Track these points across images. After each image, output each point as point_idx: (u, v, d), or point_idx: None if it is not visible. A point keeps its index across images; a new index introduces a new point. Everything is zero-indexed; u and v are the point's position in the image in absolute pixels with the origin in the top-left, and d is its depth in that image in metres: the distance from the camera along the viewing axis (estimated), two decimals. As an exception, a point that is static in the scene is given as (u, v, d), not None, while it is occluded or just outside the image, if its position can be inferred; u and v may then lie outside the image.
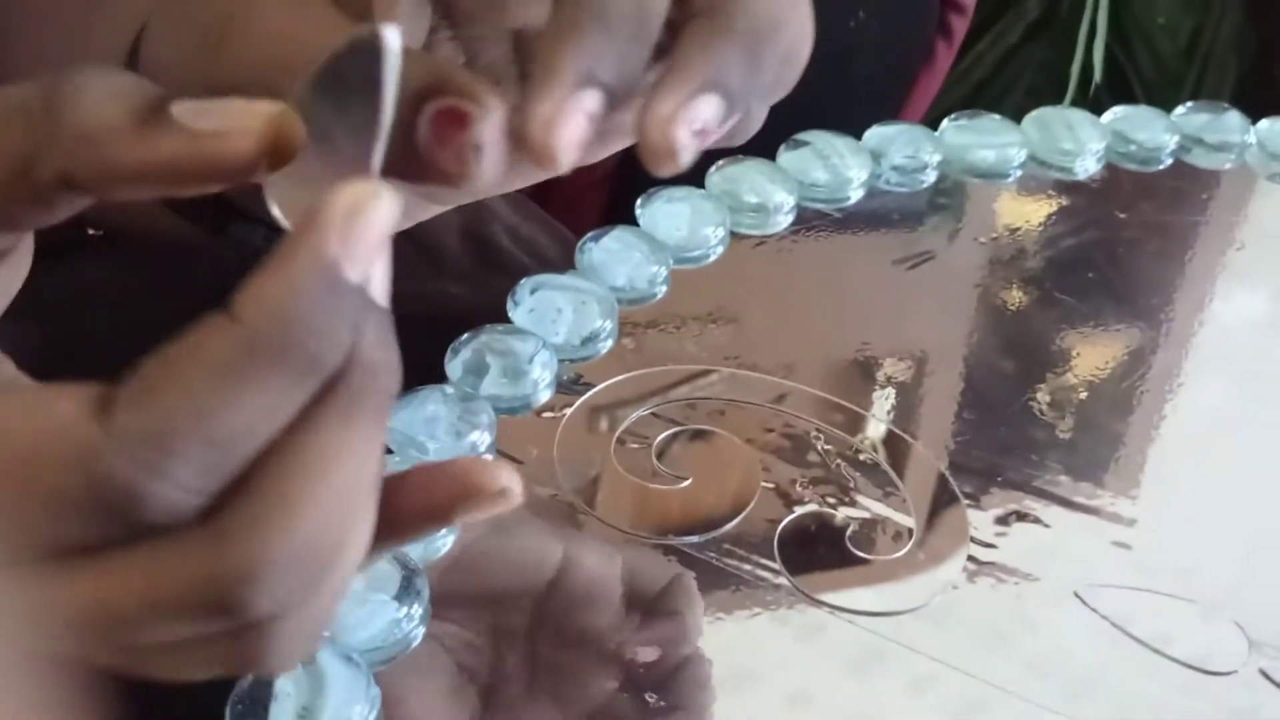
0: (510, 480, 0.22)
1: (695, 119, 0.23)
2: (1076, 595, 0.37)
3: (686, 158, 0.23)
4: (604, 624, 0.34)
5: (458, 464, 0.22)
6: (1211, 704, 0.35)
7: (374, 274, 0.20)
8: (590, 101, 0.23)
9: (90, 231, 0.29)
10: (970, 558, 0.38)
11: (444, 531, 0.36)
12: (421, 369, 0.45)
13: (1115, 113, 0.54)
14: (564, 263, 0.51)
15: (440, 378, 0.40)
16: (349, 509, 0.20)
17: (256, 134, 0.20)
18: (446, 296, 0.48)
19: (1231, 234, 0.51)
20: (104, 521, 0.19)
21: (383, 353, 0.20)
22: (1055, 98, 0.96)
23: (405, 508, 0.22)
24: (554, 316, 0.43)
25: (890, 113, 0.63)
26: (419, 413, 0.38)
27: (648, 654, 0.34)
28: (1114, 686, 0.35)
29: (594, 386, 0.41)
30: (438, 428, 0.38)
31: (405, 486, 0.22)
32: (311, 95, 0.20)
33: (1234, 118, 0.54)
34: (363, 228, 0.19)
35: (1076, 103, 0.96)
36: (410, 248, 0.49)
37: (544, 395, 0.41)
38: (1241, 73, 1.05)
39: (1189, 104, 0.55)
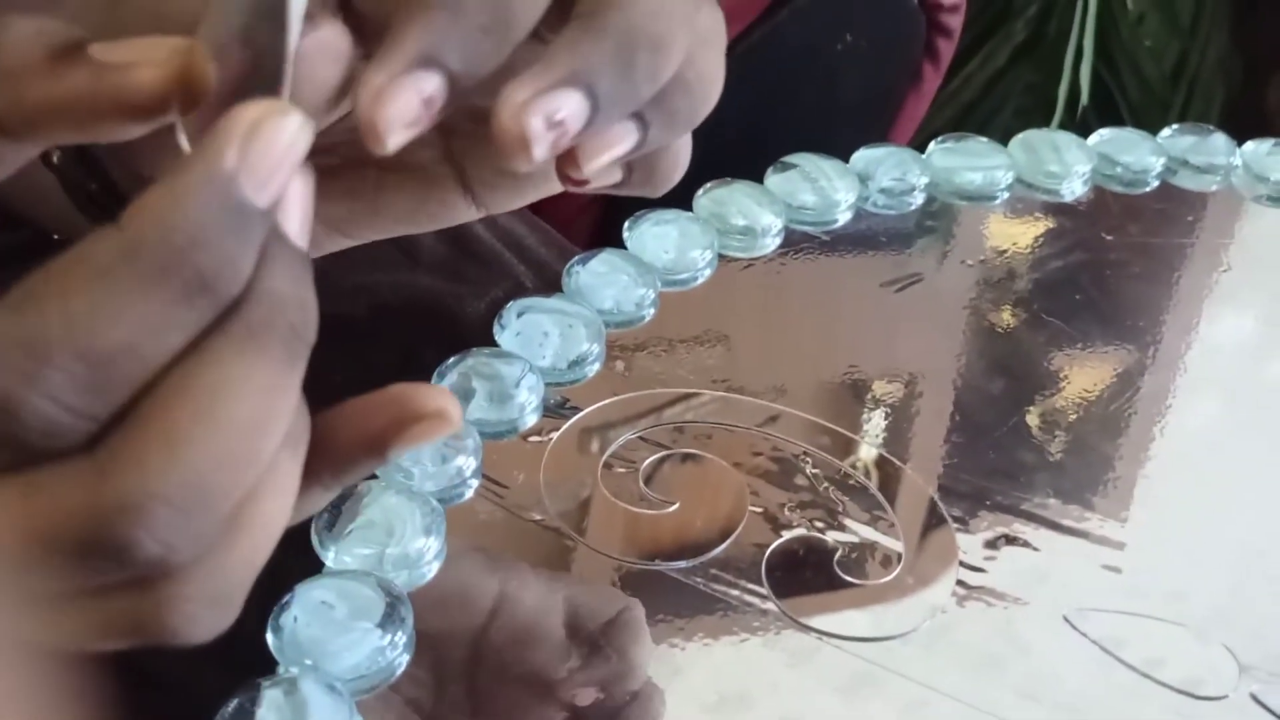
0: (446, 402, 0.21)
1: (554, 110, 0.22)
2: (1066, 620, 0.37)
3: (540, 150, 0.23)
4: (550, 658, 0.34)
5: (391, 391, 0.22)
6: (1203, 729, 0.34)
7: (288, 207, 0.19)
8: (428, 83, 0.22)
9: (55, 238, 0.28)
10: (959, 582, 0.37)
11: (430, 558, 0.36)
12: (400, 356, 0.45)
13: (1101, 135, 0.54)
14: (541, 250, 0.51)
15: (416, 363, 0.40)
16: (247, 451, 0.19)
17: (163, 64, 0.20)
18: (421, 285, 0.48)
19: (1218, 256, 0.51)
20: None
21: (292, 288, 0.19)
22: (1043, 119, 0.96)
23: (340, 442, 0.21)
24: (540, 340, 0.42)
25: (878, 134, 0.63)
26: (404, 437, 0.38)
27: (595, 689, 0.33)
28: (1105, 711, 0.35)
29: (581, 410, 0.41)
30: (423, 453, 0.38)
31: (339, 420, 0.21)
32: (220, 29, 0.20)
33: (1220, 140, 0.54)
34: (267, 143, 0.18)
35: (1064, 124, 0.96)
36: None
37: (530, 419, 0.40)
38: (1228, 96, 1.06)
39: (1175, 126, 0.55)
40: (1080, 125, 0.96)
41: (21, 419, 0.18)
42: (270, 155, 0.19)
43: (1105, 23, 0.91)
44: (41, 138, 0.21)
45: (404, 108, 0.22)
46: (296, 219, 0.20)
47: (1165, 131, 0.55)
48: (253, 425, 0.19)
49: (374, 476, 0.37)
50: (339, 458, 0.22)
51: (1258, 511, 0.41)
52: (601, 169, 0.25)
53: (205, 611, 0.20)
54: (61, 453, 0.18)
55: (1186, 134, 0.55)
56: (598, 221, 0.63)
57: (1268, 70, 1.09)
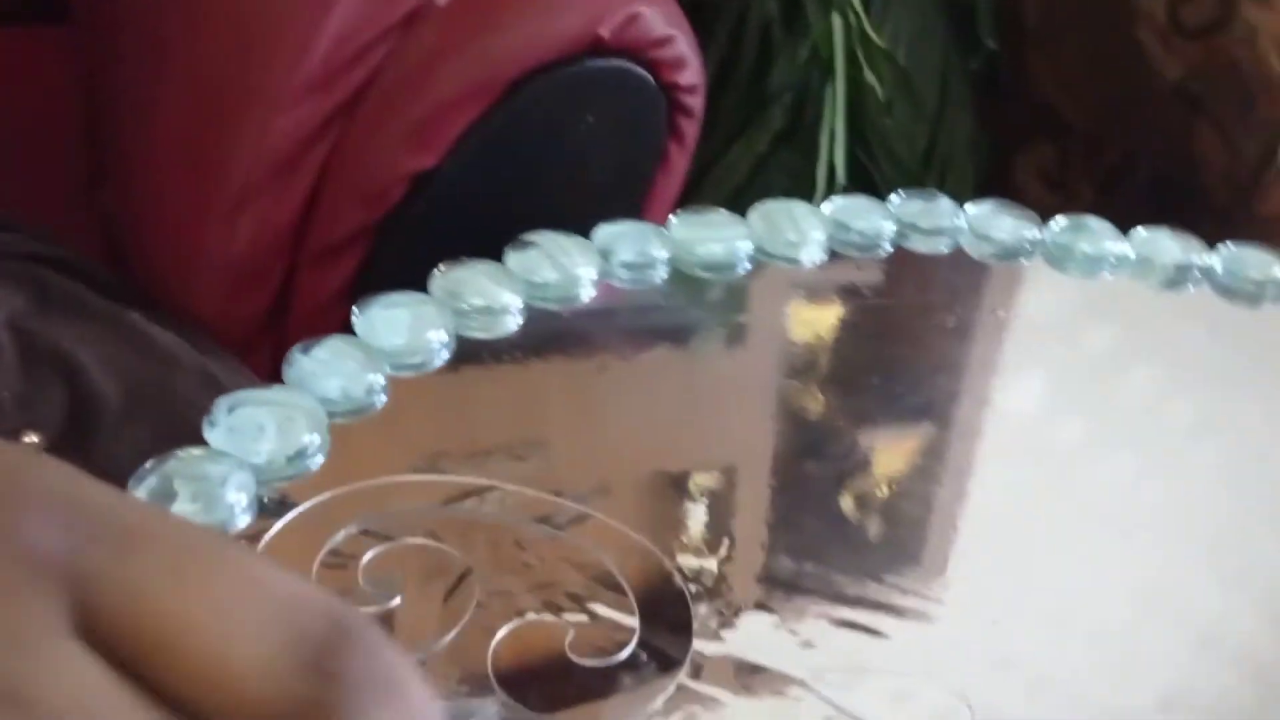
0: None
1: None
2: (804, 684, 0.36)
3: None
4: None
5: None
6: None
7: None
8: None
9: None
10: (697, 652, 0.36)
11: None
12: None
13: (835, 203, 0.56)
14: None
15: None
16: None
17: None
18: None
19: (947, 315, 0.53)
20: None
21: None
22: (808, 199, 0.99)
23: None
24: (255, 435, 0.39)
25: (630, 214, 0.63)
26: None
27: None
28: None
29: (296, 507, 0.38)
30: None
31: None
32: None
33: (945, 203, 0.57)
34: None
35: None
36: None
37: (242, 520, 0.37)
38: (978, 174, 1.12)
39: (904, 191, 0.57)
40: (844, 205, 1.00)
41: None
42: None
43: (856, 109, 0.96)
44: None
45: None
46: None
47: (894, 197, 0.57)
48: None
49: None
50: None
51: (1051, 592, 0.41)
52: None
53: None
54: None
55: (915, 199, 0.57)
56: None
57: (1011, 149, 1.17)
